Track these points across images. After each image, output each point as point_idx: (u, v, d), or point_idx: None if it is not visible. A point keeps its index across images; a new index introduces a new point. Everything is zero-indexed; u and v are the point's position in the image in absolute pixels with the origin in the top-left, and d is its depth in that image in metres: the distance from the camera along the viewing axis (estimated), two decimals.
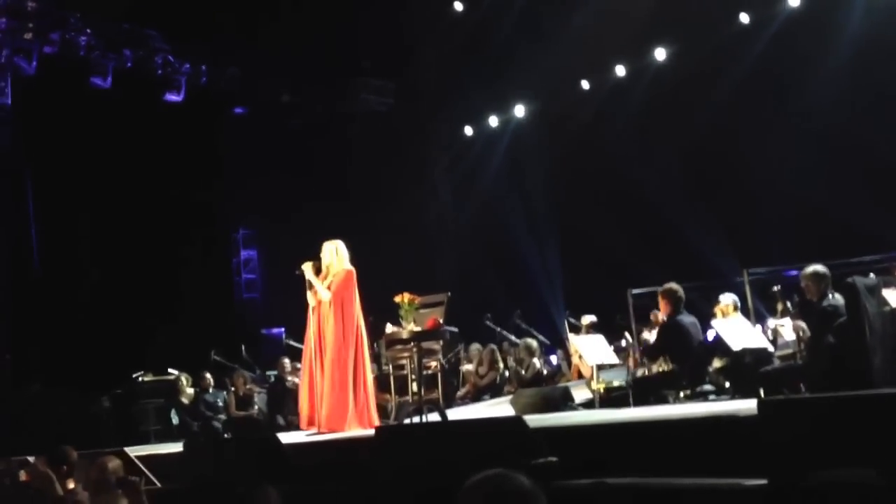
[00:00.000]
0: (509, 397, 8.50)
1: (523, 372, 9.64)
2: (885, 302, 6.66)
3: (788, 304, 8.09)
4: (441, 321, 7.55)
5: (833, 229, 9.92)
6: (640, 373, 8.59)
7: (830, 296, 6.81)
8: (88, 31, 11.58)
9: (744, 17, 11.31)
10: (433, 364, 8.05)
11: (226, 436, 9.17)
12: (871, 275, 7.16)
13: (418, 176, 14.41)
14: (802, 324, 7.21)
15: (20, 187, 11.52)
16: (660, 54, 12.22)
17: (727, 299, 8.11)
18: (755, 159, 11.15)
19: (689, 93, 11.81)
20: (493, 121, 14.29)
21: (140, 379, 10.49)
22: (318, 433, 6.83)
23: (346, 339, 7.15)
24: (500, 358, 10.02)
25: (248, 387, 10.06)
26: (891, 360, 6.31)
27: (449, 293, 7.90)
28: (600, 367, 8.13)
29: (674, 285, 7.80)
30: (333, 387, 6.93)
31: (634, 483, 3.87)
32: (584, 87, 13.14)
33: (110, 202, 12.36)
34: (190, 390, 9.91)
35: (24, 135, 11.48)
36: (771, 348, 7.66)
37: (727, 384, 7.50)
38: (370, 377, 7.30)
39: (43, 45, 11.33)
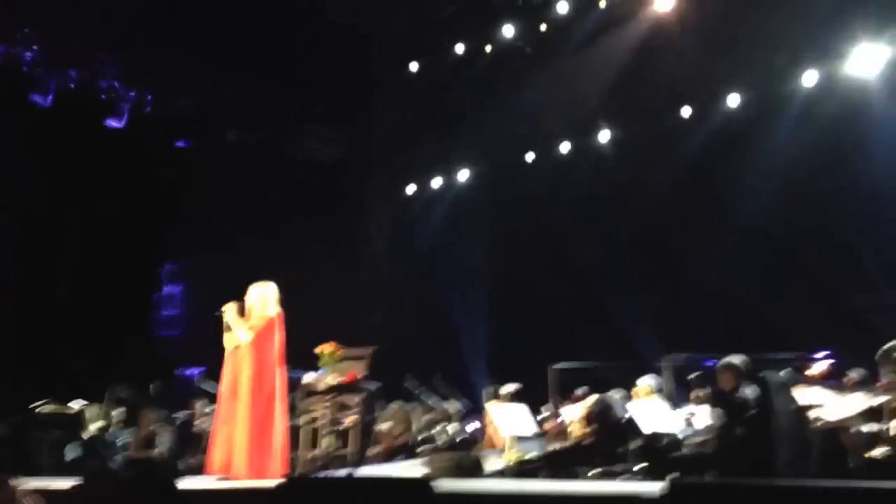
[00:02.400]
0: (422, 460, 8.38)
1: (440, 436, 9.53)
2: (793, 400, 6.85)
3: (704, 392, 8.24)
4: (362, 376, 7.46)
5: (754, 324, 10.21)
6: (554, 447, 8.60)
7: (743, 388, 6.99)
8: (35, 47, 11.39)
9: (685, 111, 11.73)
10: (348, 420, 7.90)
11: (123, 475, 8.79)
12: (783, 372, 7.36)
13: (356, 229, 14.40)
14: (716, 412, 7.34)
15: None
16: (604, 136, 12.55)
17: (645, 382, 8.24)
18: (686, 248, 11.46)
19: (630, 177, 12.15)
20: (437, 182, 14.41)
21: (39, 409, 10.02)
22: (226, 480, 6.61)
23: (262, 386, 6.98)
24: (414, 419, 9.91)
25: (152, 427, 9.72)
26: (795, 455, 6.46)
27: (375, 347, 7.82)
28: (517, 438, 8.11)
29: None
30: (245, 434, 6.74)
31: None
32: (528, 159, 13.38)
33: (34, 223, 12.01)
34: (93, 426, 9.53)
35: None
36: (683, 435, 7.77)
37: (638, 466, 7.55)
38: (281, 427, 7.11)
39: None
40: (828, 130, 10.14)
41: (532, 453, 8.30)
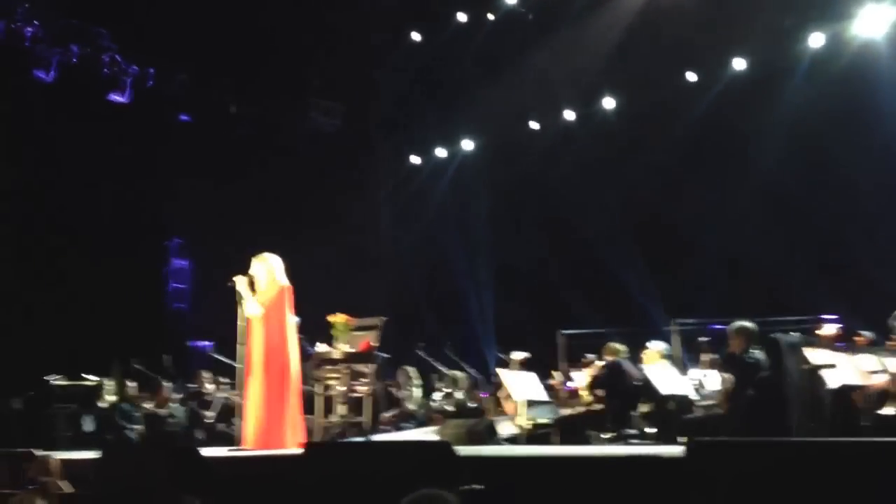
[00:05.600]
0: (435, 427, 8.48)
1: (450, 404, 9.64)
2: (805, 360, 6.90)
3: (714, 356, 8.31)
4: (374, 345, 7.52)
5: (762, 288, 10.27)
6: (565, 412, 8.69)
7: (754, 350, 7.05)
8: (36, 22, 11.31)
9: (690, 76, 11.68)
10: (361, 388, 7.96)
11: (145, 446, 8.89)
12: (794, 333, 7.42)
13: (361, 199, 14.40)
14: (726, 375, 7.41)
15: None
16: (608, 103, 12.51)
17: (656, 346, 8.31)
18: (693, 214, 11.48)
19: (634, 143, 12.13)
20: (441, 152, 14.39)
21: (54, 382, 10.10)
22: (245, 450, 6.69)
23: (275, 357, 7.03)
24: (413, 378, 10.05)
25: (167, 397, 9.83)
26: (807, 415, 6.54)
27: (384, 318, 7.87)
28: (528, 404, 8.19)
29: None
30: (262, 405, 6.80)
31: None
32: (532, 127, 13.34)
33: (41, 198, 11.99)
34: (110, 398, 9.61)
35: None
36: (694, 397, 7.85)
37: (649, 429, 7.64)
38: (296, 397, 7.16)
39: None
40: (836, 91, 10.13)
41: (544, 419, 8.39)
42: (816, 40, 10.46)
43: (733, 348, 7.23)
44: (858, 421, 6.58)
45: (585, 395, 8.62)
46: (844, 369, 6.75)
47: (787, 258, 10.35)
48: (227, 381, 9.84)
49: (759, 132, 10.90)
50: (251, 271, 7.18)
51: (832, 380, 6.68)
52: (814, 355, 6.94)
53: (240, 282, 7.16)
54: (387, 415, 9.67)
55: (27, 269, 11.68)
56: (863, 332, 8.32)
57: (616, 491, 4.32)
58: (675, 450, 4.23)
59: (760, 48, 10.93)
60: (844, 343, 7.77)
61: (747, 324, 7.17)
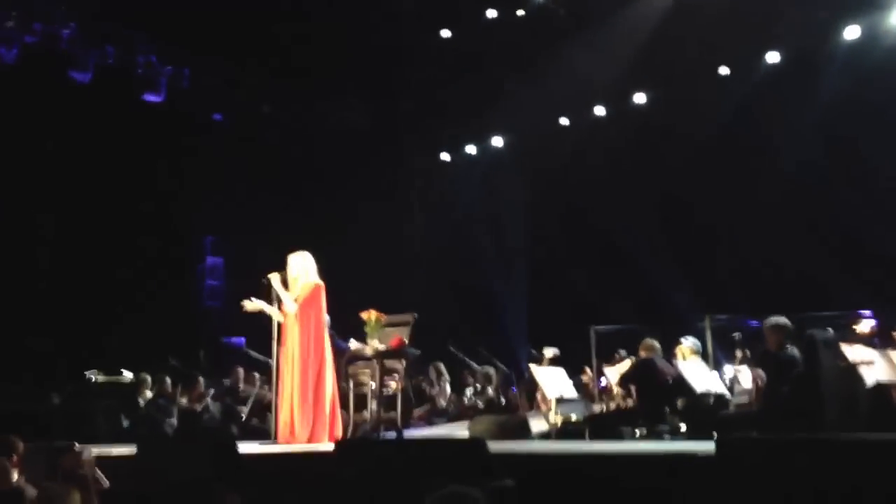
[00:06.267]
0: (467, 422, 8.51)
1: (481, 399, 9.68)
2: (842, 357, 6.82)
3: (747, 352, 8.25)
4: (406, 341, 7.57)
5: (795, 283, 10.15)
6: (597, 409, 8.68)
7: (789, 347, 6.98)
8: (72, 24, 11.51)
9: (723, 70, 11.57)
10: (393, 384, 8.02)
11: (183, 441, 9.00)
12: (829, 329, 7.34)
13: (392, 196, 14.46)
14: (760, 372, 7.34)
15: None
16: (640, 98, 12.44)
17: (688, 342, 8.26)
18: (726, 208, 11.38)
19: (665, 139, 12.05)
20: (471, 149, 14.40)
21: (92, 378, 10.27)
22: (278, 444, 6.78)
23: (311, 352, 7.12)
24: (444, 374, 10.09)
25: (202, 393, 9.96)
26: (843, 412, 6.46)
27: (416, 314, 7.92)
28: (559, 401, 8.19)
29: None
30: (296, 401, 6.89)
31: None
32: (563, 123, 13.30)
33: (77, 197, 12.20)
34: (149, 393, 9.77)
35: None
36: (728, 394, 7.80)
37: (683, 426, 7.59)
38: (331, 393, 7.24)
39: (24, 34, 11.23)
40: (871, 84, 9.98)
41: (575, 415, 8.38)
42: (852, 33, 10.30)
43: (769, 345, 7.16)
44: None
45: (617, 391, 8.60)
46: (881, 366, 6.66)
47: (822, 253, 10.22)
48: (260, 377, 9.97)
49: (792, 125, 10.76)
50: (287, 268, 7.29)
51: (869, 377, 6.60)
52: (850, 352, 6.86)
53: (274, 279, 7.26)
54: (418, 411, 9.72)
55: (64, 265, 11.91)
56: None
57: (649, 487, 4.31)
58: (709, 446, 4.21)
59: (795, 41, 10.79)
60: (880, 339, 7.66)
61: (782, 320, 7.10)
